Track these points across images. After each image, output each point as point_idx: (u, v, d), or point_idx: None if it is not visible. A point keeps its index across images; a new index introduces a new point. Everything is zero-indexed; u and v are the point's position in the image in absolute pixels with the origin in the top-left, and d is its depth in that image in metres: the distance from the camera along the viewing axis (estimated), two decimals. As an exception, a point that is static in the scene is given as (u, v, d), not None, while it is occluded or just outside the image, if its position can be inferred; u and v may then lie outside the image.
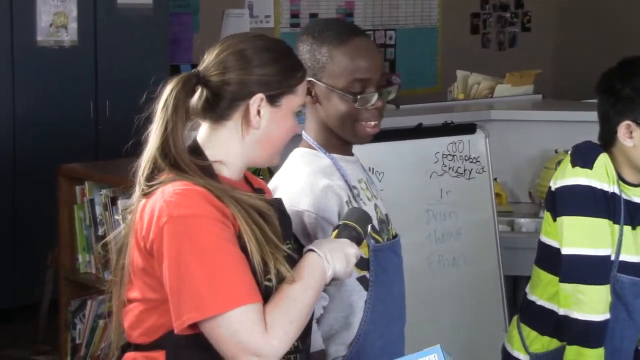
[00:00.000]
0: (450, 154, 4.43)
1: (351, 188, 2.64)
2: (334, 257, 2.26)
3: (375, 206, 2.72)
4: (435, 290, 4.12)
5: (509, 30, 10.44)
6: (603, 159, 2.98)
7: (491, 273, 4.47)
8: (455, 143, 4.46)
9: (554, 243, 3.04)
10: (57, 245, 4.48)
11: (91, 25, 6.68)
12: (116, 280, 2.29)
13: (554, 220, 3.03)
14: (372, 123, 2.64)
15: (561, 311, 2.97)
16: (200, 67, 2.32)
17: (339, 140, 2.67)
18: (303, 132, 2.70)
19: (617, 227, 2.99)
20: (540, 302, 3.10)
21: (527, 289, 3.17)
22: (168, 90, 2.27)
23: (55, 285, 4.90)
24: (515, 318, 3.22)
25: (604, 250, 2.96)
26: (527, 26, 10.57)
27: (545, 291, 3.08)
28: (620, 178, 3.01)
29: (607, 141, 3.03)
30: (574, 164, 2.99)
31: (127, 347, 2.30)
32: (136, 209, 2.26)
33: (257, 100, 2.28)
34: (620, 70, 3.02)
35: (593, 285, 2.93)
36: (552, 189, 3.04)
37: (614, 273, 2.99)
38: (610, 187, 2.97)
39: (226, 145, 2.31)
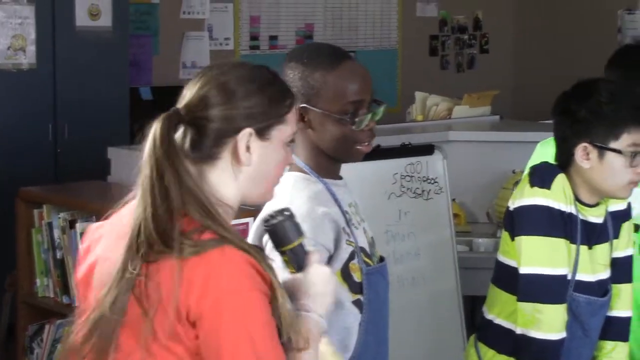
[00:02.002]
0: (408, 175, 4.45)
1: (344, 213, 2.65)
2: (323, 303, 2.18)
3: (364, 230, 2.73)
4: (394, 310, 4.10)
5: (467, 52, 10.50)
6: (561, 179, 3.00)
7: (450, 293, 4.49)
8: (413, 164, 4.48)
9: (511, 262, 3.05)
10: (15, 269, 4.44)
11: (50, 48, 6.63)
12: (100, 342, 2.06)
13: (512, 239, 3.04)
14: (367, 143, 2.65)
15: (518, 330, 2.98)
16: (181, 104, 2.14)
17: (330, 162, 2.67)
18: (293, 155, 2.69)
19: (574, 246, 3.01)
20: (497, 321, 3.11)
21: (484, 308, 3.18)
22: (152, 134, 2.07)
23: (13, 309, 4.86)
24: (472, 337, 3.22)
25: (561, 269, 2.97)
26: (485, 48, 10.64)
27: (503, 310, 3.09)
28: (577, 199, 3.04)
29: (565, 163, 3.04)
30: (532, 184, 3.00)
31: None
32: (168, 269, 2.02)
33: (246, 136, 2.12)
34: (575, 93, 3.04)
35: (551, 305, 2.94)
36: (511, 208, 3.06)
37: (570, 292, 3.01)
38: (568, 207, 2.99)
39: (221, 186, 2.14)
